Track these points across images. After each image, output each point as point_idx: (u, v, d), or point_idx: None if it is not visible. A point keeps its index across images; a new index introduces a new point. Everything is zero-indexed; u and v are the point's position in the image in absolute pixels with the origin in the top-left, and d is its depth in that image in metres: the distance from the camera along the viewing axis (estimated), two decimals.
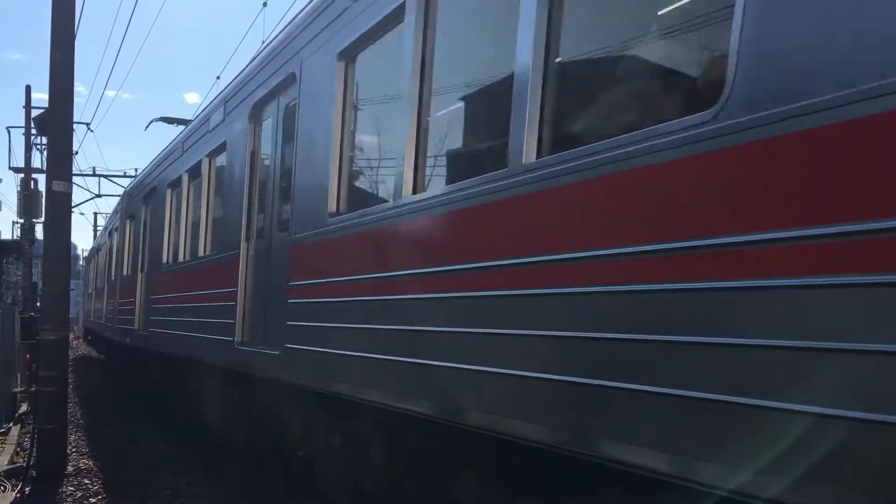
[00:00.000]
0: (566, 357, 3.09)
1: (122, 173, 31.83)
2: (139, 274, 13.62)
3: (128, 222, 15.67)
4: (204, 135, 9.43)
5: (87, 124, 32.43)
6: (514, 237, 3.46)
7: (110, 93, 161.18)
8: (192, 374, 10.01)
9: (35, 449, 8.33)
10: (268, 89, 7.01)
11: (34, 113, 26.08)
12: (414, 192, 4.45)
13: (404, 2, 4.51)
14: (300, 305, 5.89)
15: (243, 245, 7.51)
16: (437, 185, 4.41)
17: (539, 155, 3.42)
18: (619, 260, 2.85)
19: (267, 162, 7.27)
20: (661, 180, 2.69)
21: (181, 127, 14.41)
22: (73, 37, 8.30)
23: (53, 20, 8.15)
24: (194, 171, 9.96)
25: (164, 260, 11.41)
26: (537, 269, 3.28)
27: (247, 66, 8.05)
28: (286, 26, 6.76)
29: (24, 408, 12.76)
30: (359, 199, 5.36)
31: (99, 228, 35.03)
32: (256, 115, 7.46)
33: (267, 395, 7.15)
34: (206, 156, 9.24)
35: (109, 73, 44.44)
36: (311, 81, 5.95)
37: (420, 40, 4.42)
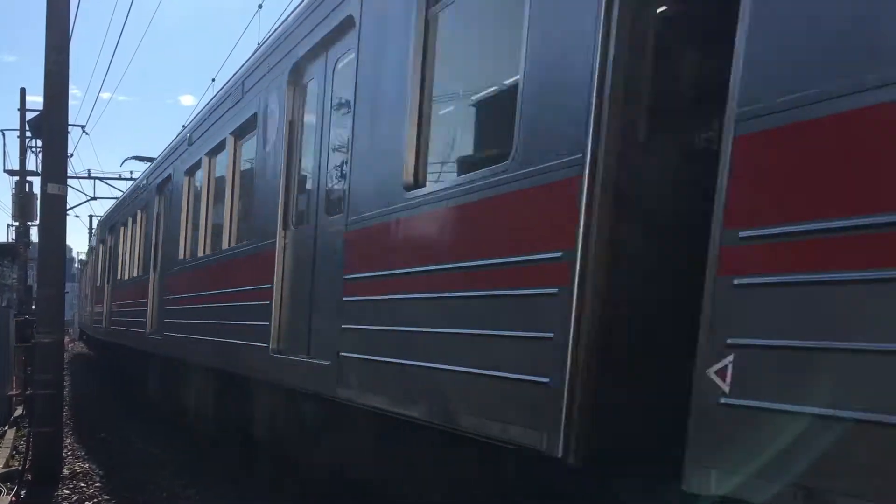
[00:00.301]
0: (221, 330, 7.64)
1: (117, 175, 31.05)
2: (106, 285, 18.24)
3: (101, 245, 20.32)
4: (139, 194, 14.04)
5: (83, 126, 30.78)
6: (224, 280, 8.00)
7: (105, 95, 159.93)
8: (135, 357, 14.57)
9: (30, 452, 8.32)
10: (163, 178, 11.57)
11: (29, 115, 25.07)
12: (204, 253, 9.01)
13: (201, 158, 9.08)
14: (169, 309, 10.45)
15: (151, 271, 12.06)
16: (208, 250, 8.94)
17: (229, 244, 7.96)
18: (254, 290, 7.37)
19: (163, 221, 11.82)
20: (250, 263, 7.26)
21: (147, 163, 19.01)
22: (68, 39, 8.40)
23: (49, 22, 8.21)
24: (134, 217, 14.55)
25: (118, 276, 16.04)
26: (231, 294, 7.81)
27: (158, 156, 12.64)
28: (168, 146, 11.38)
29: (19, 411, 12.78)
30: (190, 252, 9.89)
31: (94, 230, 34.19)
32: (160, 191, 12.02)
33: (167, 365, 11.72)
34: (140, 209, 13.82)
35: (104, 75, 48.34)
36: (175, 183, 10.52)
37: (207, 175, 8.97)
